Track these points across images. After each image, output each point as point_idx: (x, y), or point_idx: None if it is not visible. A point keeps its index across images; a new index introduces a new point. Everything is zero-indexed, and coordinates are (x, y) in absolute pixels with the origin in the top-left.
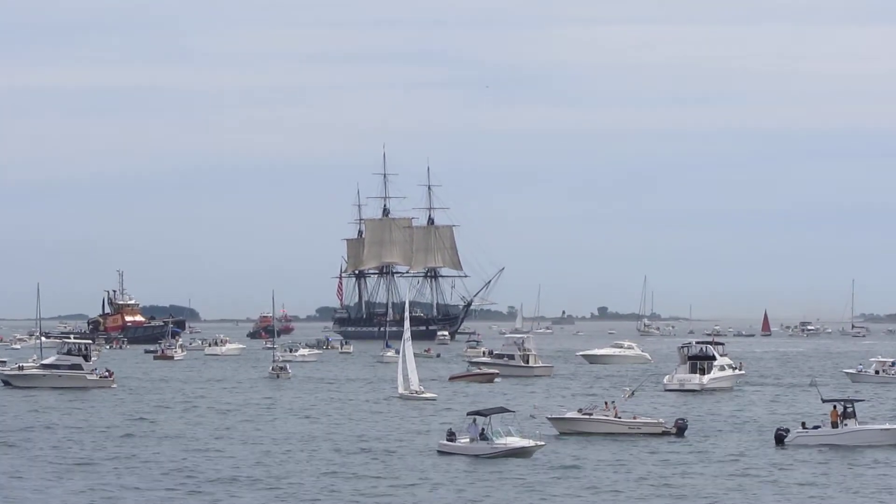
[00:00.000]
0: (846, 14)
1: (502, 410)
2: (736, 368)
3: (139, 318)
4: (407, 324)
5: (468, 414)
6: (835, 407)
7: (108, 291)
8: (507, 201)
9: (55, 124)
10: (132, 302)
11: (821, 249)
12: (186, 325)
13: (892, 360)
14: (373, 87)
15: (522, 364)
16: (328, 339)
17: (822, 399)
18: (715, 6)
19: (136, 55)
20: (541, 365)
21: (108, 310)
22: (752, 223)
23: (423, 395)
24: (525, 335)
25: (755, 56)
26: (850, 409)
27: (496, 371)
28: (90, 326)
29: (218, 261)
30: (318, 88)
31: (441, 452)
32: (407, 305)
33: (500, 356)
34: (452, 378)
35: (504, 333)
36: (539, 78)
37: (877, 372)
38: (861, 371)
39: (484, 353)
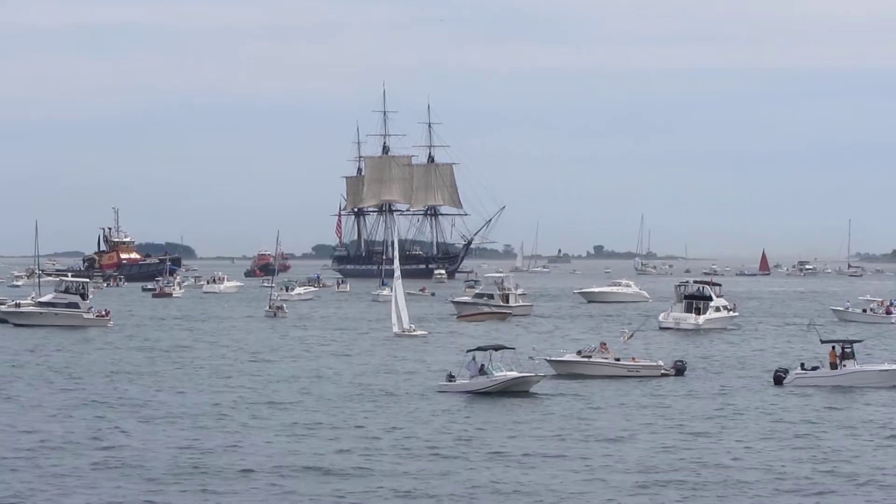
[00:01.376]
0: None
1: (501, 347)
2: (731, 310)
3: (135, 255)
4: (396, 262)
5: (467, 351)
6: (833, 348)
7: (103, 229)
8: (506, 140)
9: (47, 63)
10: (128, 239)
11: (817, 189)
12: (181, 262)
13: (880, 299)
14: (369, 25)
15: (501, 303)
16: (318, 277)
17: (820, 340)
18: None
19: None
20: (519, 304)
21: (103, 247)
22: (749, 163)
23: (414, 334)
24: (505, 274)
25: None
26: (848, 350)
27: (508, 311)
28: (85, 264)
29: (214, 198)
30: (313, 26)
31: (441, 392)
32: (396, 244)
33: (481, 295)
34: (461, 317)
35: (502, 272)
36: (538, 17)
37: (864, 311)
38: (848, 309)
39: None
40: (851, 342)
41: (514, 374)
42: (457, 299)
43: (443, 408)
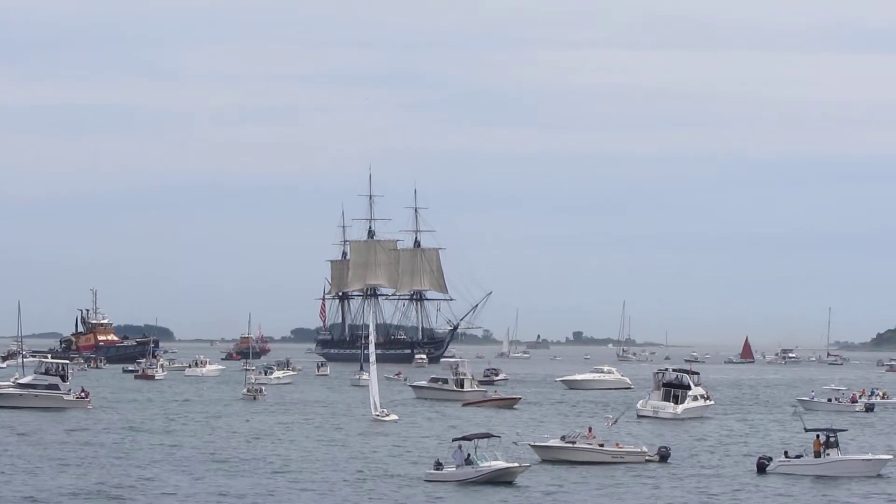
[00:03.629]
0: (823, 41)
1: (487, 436)
2: (707, 398)
3: (112, 337)
4: (372, 347)
5: (453, 440)
6: (818, 436)
7: (81, 310)
8: (487, 224)
9: (30, 142)
10: (105, 321)
11: (797, 276)
12: (159, 344)
13: (844, 388)
14: (352, 109)
15: (455, 388)
16: (288, 361)
17: (805, 428)
18: (690, 32)
19: (112, 73)
20: (474, 389)
21: (81, 329)
22: (727, 249)
23: (385, 419)
24: (461, 360)
25: (732, 81)
26: (832, 439)
27: (517, 396)
28: (62, 345)
29: (192, 280)
30: (296, 109)
31: (429, 481)
32: (372, 327)
33: (436, 380)
34: (467, 404)
35: (482, 357)
36: (518, 101)
37: (829, 400)
38: (813, 398)
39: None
40: (836, 431)
41: (500, 464)
42: (414, 383)
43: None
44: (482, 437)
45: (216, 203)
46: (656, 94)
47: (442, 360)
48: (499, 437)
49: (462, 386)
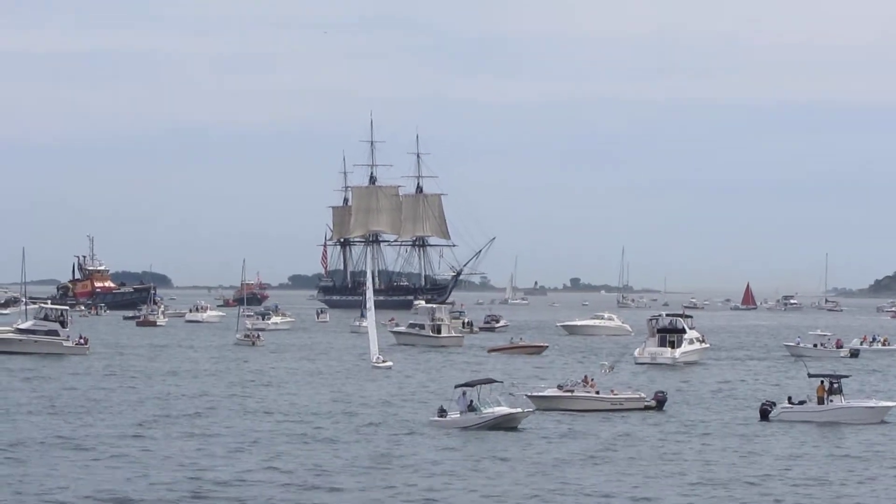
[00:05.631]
0: None
1: (489, 381)
2: (703, 342)
3: (109, 283)
4: (370, 293)
5: (456, 387)
6: (822, 382)
7: (78, 257)
8: (486, 172)
9: (25, 89)
10: (102, 268)
11: (794, 223)
12: (156, 291)
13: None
14: (351, 57)
15: (431, 334)
16: (276, 307)
17: (808, 374)
18: None
19: (110, 20)
20: (451, 335)
21: (78, 275)
22: (723, 196)
23: (380, 365)
24: (437, 305)
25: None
26: (836, 385)
27: (544, 343)
28: (59, 292)
29: (191, 227)
30: (292, 55)
31: (433, 426)
32: (369, 274)
33: (413, 325)
34: (492, 350)
35: (482, 304)
36: (511, 49)
37: (815, 346)
38: (799, 344)
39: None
40: (839, 377)
41: (504, 409)
42: (394, 329)
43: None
44: (485, 384)
45: (214, 150)
46: (655, 40)
47: (444, 305)
48: (501, 382)
49: (439, 332)
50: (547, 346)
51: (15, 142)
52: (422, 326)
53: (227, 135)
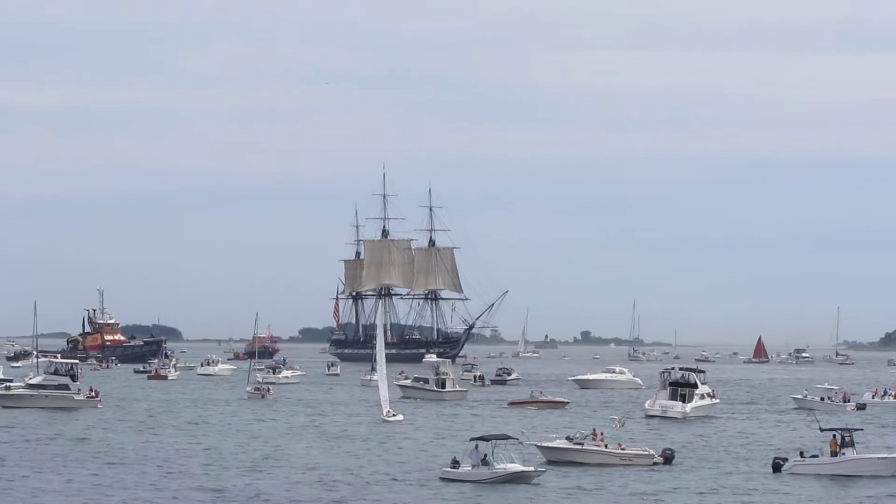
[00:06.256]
0: (825, 42)
1: (505, 437)
2: (713, 396)
3: (119, 336)
4: (381, 346)
5: (470, 440)
6: (834, 436)
7: (88, 310)
8: (493, 225)
9: (36, 143)
10: (112, 321)
11: (805, 277)
12: (166, 344)
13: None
14: (362, 110)
15: (435, 388)
16: (284, 360)
17: (820, 428)
18: (694, 33)
19: (121, 74)
20: (455, 389)
21: (88, 328)
22: (735, 249)
23: (392, 419)
24: (465, 358)
25: (735, 81)
26: (848, 439)
27: (565, 399)
28: (69, 345)
29: (201, 280)
30: (305, 110)
31: (444, 479)
32: (380, 327)
33: (418, 379)
34: (513, 403)
35: (494, 357)
36: (523, 101)
37: (822, 399)
38: (807, 397)
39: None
40: (851, 430)
41: (517, 466)
42: (400, 383)
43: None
44: (500, 439)
45: (225, 203)
46: (666, 95)
47: (448, 360)
48: (515, 438)
49: (443, 386)
50: (569, 403)
51: (25, 196)
52: (426, 381)
53: (239, 188)
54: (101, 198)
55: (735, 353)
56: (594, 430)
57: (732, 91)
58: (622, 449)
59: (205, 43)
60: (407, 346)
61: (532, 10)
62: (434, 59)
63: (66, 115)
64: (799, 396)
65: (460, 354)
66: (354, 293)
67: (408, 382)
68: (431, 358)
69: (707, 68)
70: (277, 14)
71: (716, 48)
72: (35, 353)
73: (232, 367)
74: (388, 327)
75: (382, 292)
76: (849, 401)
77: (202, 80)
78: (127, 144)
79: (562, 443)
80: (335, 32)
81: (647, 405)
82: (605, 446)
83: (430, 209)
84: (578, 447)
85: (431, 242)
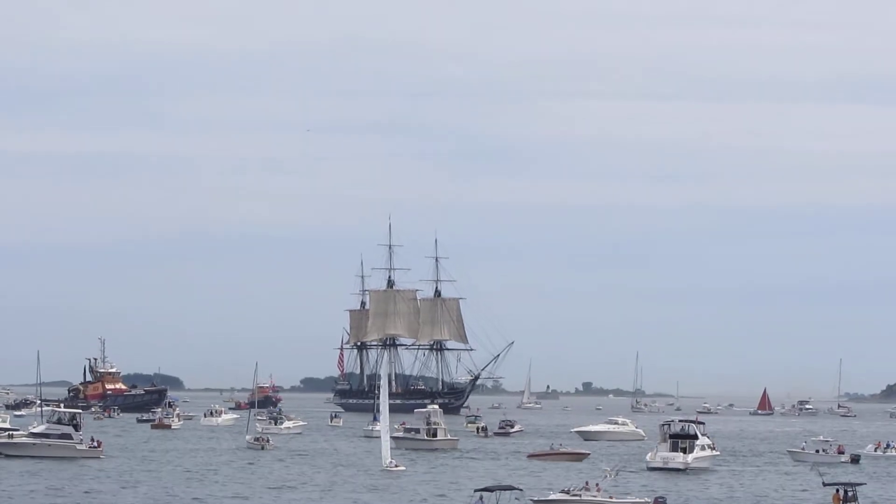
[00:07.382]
0: (820, 93)
1: (510, 488)
2: (713, 448)
3: (120, 385)
4: (384, 397)
5: (475, 491)
6: (837, 490)
7: (89, 359)
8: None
9: (37, 190)
10: (113, 370)
11: (806, 328)
12: (167, 393)
13: (833, 440)
14: (364, 158)
15: (426, 437)
16: (280, 410)
17: (823, 483)
18: (692, 83)
19: (122, 122)
20: (446, 438)
21: (89, 377)
22: (736, 301)
23: (394, 469)
24: (435, 409)
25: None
26: (850, 493)
27: (586, 451)
28: (70, 394)
29: (204, 330)
30: (302, 158)
31: None
32: (384, 377)
33: (409, 430)
34: (532, 456)
35: (496, 408)
36: (531, 152)
37: (817, 451)
38: (803, 450)
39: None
40: (854, 485)
41: None
42: (395, 434)
43: None
44: (504, 490)
45: (227, 252)
46: (666, 146)
47: (462, 409)
48: (521, 489)
49: (434, 435)
50: (589, 454)
51: (26, 244)
52: (417, 430)
53: (242, 237)
54: (102, 245)
55: (731, 405)
56: (587, 482)
57: (734, 142)
58: (612, 499)
59: (208, 90)
60: (412, 396)
61: (538, 61)
62: (440, 108)
63: (67, 161)
64: (795, 449)
65: (464, 405)
66: (359, 343)
67: (399, 434)
68: (433, 408)
69: (705, 118)
70: (280, 63)
71: (722, 98)
72: (38, 401)
73: (236, 416)
74: (393, 377)
75: (387, 342)
76: (843, 453)
77: (205, 128)
78: (129, 192)
79: (558, 495)
80: (341, 80)
81: (648, 457)
82: (611, 497)
83: (437, 259)
84: (576, 499)
85: (437, 293)
